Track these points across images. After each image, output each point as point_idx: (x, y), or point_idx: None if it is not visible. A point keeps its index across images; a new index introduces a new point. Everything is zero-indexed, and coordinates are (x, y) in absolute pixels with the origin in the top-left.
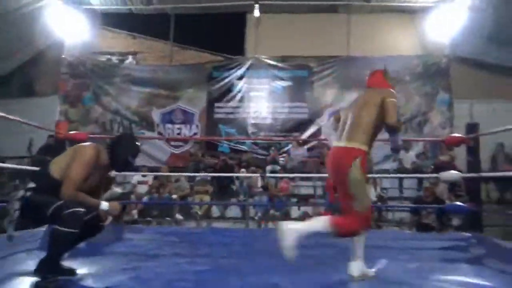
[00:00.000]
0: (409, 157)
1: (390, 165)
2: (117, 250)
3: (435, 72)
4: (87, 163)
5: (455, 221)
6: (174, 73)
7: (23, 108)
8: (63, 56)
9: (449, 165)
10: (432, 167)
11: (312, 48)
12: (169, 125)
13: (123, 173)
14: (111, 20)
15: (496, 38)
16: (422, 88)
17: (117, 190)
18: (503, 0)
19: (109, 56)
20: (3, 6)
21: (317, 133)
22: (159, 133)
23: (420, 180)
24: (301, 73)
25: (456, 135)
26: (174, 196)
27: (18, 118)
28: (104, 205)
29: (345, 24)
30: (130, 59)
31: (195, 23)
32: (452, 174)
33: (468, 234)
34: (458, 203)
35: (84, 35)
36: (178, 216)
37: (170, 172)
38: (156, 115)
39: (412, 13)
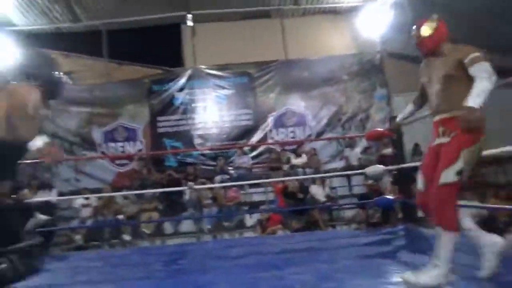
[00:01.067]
0: (354, 154)
1: (337, 163)
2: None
3: (370, 69)
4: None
5: (398, 215)
6: (112, 90)
7: None
8: None
9: (392, 159)
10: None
11: (251, 55)
12: (112, 144)
13: (65, 197)
14: (40, 41)
15: None
16: (360, 85)
17: (42, 217)
18: None
19: None
20: None
21: (264, 138)
22: (102, 153)
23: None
24: (242, 80)
25: (378, 129)
26: (121, 217)
27: None
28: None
29: (280, 29)
30: (64, 79)
31: (129, 38)
32: (376, 168)
33: (400, 227)
34: (387, 196)
35: (12, 58)
36: (125, 237)
37: (115, 192)
38: (97, 134)
39: (343, 13)
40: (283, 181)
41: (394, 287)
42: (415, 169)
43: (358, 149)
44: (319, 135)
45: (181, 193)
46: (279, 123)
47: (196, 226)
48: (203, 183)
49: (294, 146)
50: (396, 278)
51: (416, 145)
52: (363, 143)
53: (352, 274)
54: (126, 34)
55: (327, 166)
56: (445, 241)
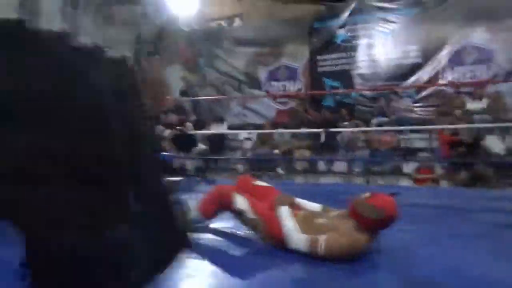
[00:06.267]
0: None
1: None
2: None
3: None
4: None
5: None
6: (275, 29)
7: None
8: (180, 28)
9: None
10: None
11: None
12: (275, 83)
13: (233, 131)
14: None
15: None
16: None
17: (202, 146)
18: None
19: (219, 21)
20: None
21: (435, 78)
22: (266, 91)
23: None
24: (412, 11)
25: None
26: (276, 151)
27: None
28: None
29: None
30: (237, 21)
31: None
32: None
33: None
34: None
35: (195, 7)
36: (279, 171)
37: (273, 128)
38: (262, 73)
39: None
40: (452, 130)
41: None
42: None
43: None
44: (509, 76)
45: (334, 134)
46: (456, 60)
47: (348, 167)
48: (357, 125)
49: (472, 89)
50: None
51: None
52: None
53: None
54: None
55: None
56: None
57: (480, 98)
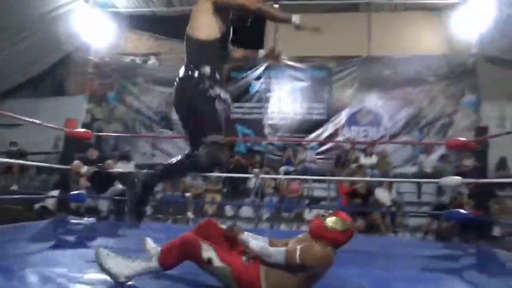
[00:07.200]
0: (429, 161)
1: (409, 169)
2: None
3: (461, 72)
4: None
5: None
6: None
7: (54, 106)
8: (90, 57)
9: (472, 171)
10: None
11: (332, 48)
12: None
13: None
14: (135, 22)
15: None
16: (447, 89)
17: (120, 186)
18: None
19: (132, 57)
20: (36, 11)
21: (334, 134)
22: (178, 133)
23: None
24: (320, 74)
25: (461, 138)
26: (188, 194)
27: (24, 118)
28: (296, 17)
29: (366, 23)
30: (153, 59)
31: None
32: (452, 179)
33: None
34: (459, 210)
35: (109, 37)
36: (190, 215)
37: None
38: (175, 115)
39: (437, 10)
40: (350, 182)
41: None
42: (497, 185)
43: (434, 156)
44: (393, 137)
45: (245, 179)
46: (353, 120)
47: (256, 213)
48: (267, 173)
49: (365, 146)
50: None
51: (503, 159)
52: (441, 150)
53: (410, 284)
54: None
55: (397, 170)
56: None
57: (370, 154)
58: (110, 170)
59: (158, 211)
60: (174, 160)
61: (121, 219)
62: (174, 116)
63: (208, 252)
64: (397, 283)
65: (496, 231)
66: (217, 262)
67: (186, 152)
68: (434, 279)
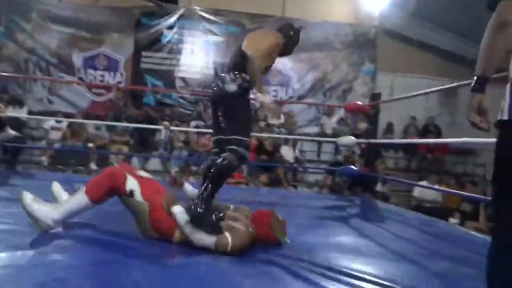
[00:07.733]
0: (330, 123)
1: (312, 129)
2: None
3: (364, 42)
4: (275, 44)
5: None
6: (99, 14)
7: None
8: None
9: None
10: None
11: (247, 4)
12: (92, 71)
13: (36, 117)
14: None
15: (420, 14)
16: (350, 56)
17: (11, 132)
18: None
19: None
20: None
21: None
22: (80, 78)
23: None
24: (234, 30)
25: (358, 102)
26: (90, 145)
27: None
28: (268, 98)
29: None
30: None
31: None
32: (348, 139)
33: (358, 197)
34: (351, 167)
35: None
36: (92, 165)
37: (86, 119)
38: (77, 58)
39: None
40: (258, 138)
41: (337, 246)
42: (384, 146)
43: (334, 119)
44: (300, 99)
45: (154, 131)
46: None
47: (164, 166)
48: (178, 126)
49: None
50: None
51: (390, 124)
52: (340, 113)
53: (302, 230)
54: None
55: (301, 130)
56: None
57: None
58: (1, 114)
59: (57, 161)
60: (209, 174)
61: (11, 168)
62: (76, 60)
63: (132, 184)
64: (292, 229)
65: (379, 186)
66: (138, 197)
67: (211, 160)
68: (325, 225)
